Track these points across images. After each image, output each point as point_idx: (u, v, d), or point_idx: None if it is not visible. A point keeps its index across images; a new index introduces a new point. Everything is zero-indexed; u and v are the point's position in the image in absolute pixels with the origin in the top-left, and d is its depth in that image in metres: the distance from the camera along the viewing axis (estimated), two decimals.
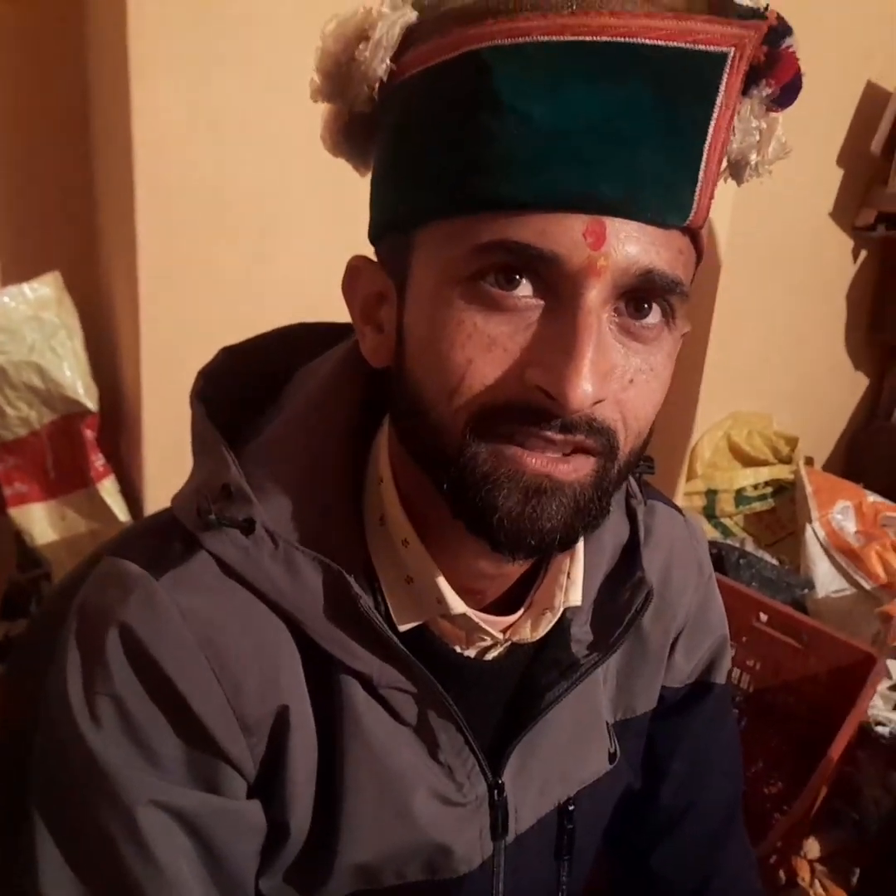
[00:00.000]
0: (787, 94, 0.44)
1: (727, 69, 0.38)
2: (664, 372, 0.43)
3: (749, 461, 1.85)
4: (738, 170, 0.46)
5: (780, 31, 0.41)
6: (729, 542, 1.70)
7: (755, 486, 1.84)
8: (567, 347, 0.38)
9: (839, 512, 1.73)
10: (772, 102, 0.44)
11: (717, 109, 0.39)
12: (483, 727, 0.52)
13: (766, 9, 0.41)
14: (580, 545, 0.52)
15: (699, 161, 0.39)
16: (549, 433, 0.40)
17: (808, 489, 1.74)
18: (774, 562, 1.68)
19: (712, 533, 1.78)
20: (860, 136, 1.80)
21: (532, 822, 0.54)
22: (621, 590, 0.55)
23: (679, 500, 1.66)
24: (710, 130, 0.39)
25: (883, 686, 1.43)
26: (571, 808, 0.56)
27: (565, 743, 0.54)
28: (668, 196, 0.39)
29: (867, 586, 1.64)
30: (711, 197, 0.41)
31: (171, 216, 1.00)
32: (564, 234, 0.38)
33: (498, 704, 0.53)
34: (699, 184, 0.39)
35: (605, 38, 0.37)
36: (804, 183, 1.74)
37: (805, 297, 1.91)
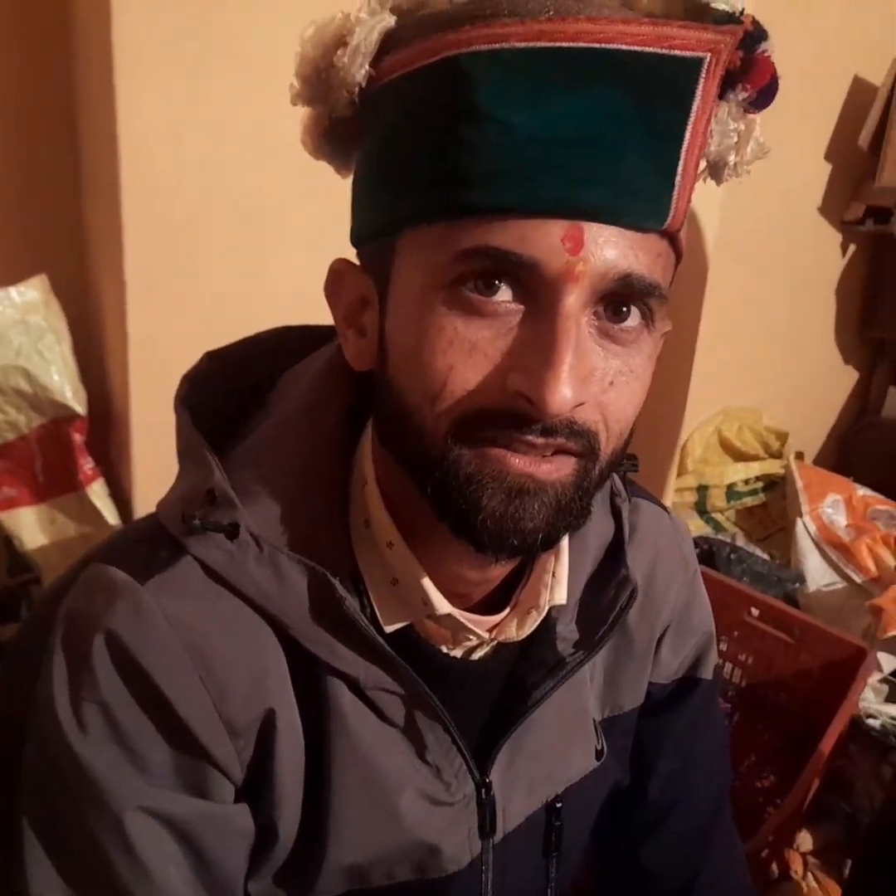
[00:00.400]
0: (764, 97, 0.44)
1: (703, 74, 0.39)
2: (644, 373, 0.43)
3: (740, 456, 1.86)
4: (716, 171, 0.47)
5: (755, 35, 0.41)
6: (720, 537, 1.70)
7: (746, 481, 1.85)
8: (546, 352, 0.38)
9: (829, 506, 1.74)
10: (749, 105, 0.44)
11: (693, 114, 0.39)
12: (470, 727, 0.52)
13: (742, 14, 0.41)
14: (565, 544, 0.53)
15: (676, 165, 0.39)
16: (530, 437, 0.40)
17: (799, 484, 1.75)
18: (765, 556, 1.68)
19: (703, 528, 1.79)
20: (848, 131, 1.81)
21: (520, 821, 0.55)
22: (606, 588, 0.55)
23: (670, 496, 1.66)
24: (687, 135, 0.39)
25: (874, 679, 1.44)
26: (559, 805, 0.56)
27: (552, 741, 0.55)
28: (645, 200, 0.39)
29: (858, 580, 1.65)
30: (689, 200, 0.41)
31: (159, 218, 1.00)
32: (543, 239, 0.38)
33: (484, 704, 0.53)
34: (676, 188, 0.40)
35: (582, 44, 0.38)
36: (792, 178, 1.75)
37: (795, 292, 1.92)
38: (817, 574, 1.67)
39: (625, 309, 0.41)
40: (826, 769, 1.30)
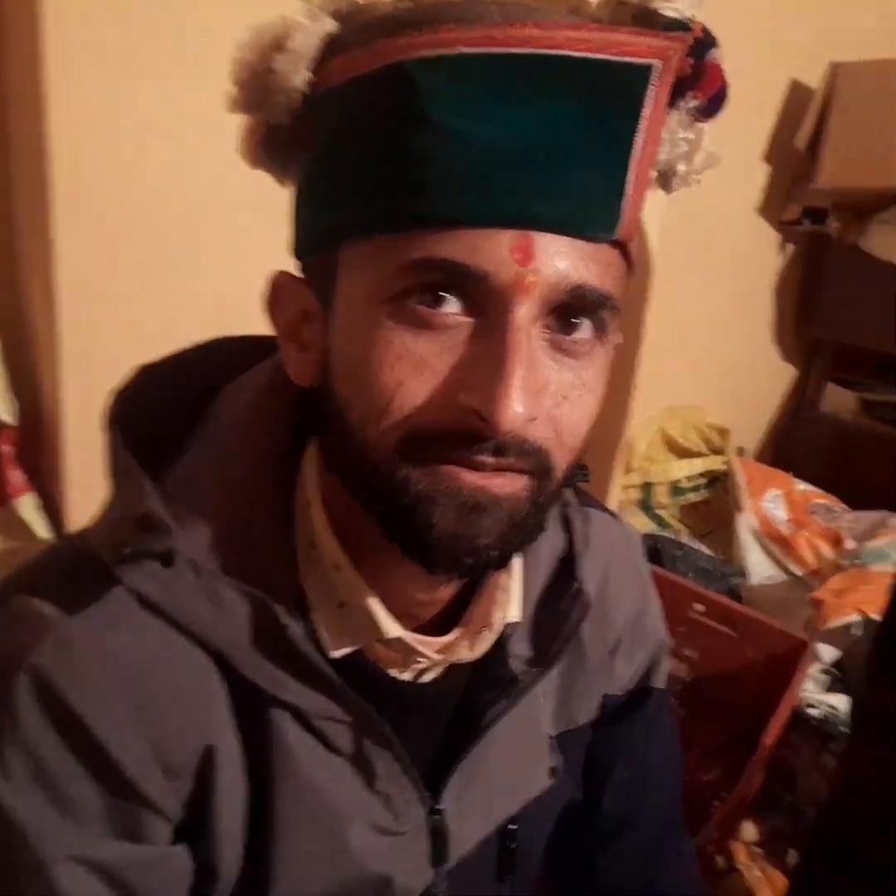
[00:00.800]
0: (714, 105, 0.44)
1: (652, 81, 0.38)
2: (598, 386, 0.42)
3: (683, 453, 1.89)
4: (666, 180, 0.46)
5: (705, 43, 0.41)
6: (665, 534, 1.73)
7: (689, 478, 1.88)
8: (497, 367, 0.37)
9: (770, 501, 1.77)
10: (698, 113, 0.44)
11: (643, 122, 0.38)
12: (422, 752, 0.51)
13: (691, 21, 0.41)
14: (517, 560, 0.52)
15: (626, 174, 0.39)
16: (481, 457, 0.39)
17: (740, 479, 1.79)
18: (709, 552, 1.71)
19: (649, 525, 1.81)
20: (785, 133, 1.85)
21: (473, 846, 0.54)
22: (559, 602, 0.54)
23: (616, 494, 1.68)
24: (637, 143, 0.38)
25: (815, 670, 1.47)
26: (513, 827, 0.55)
27: (506, 762, 0.54)
28: (596, 210, 0.38)
29: (798, 573, 1.68)
30: (640, 209, 0.41)
31: (92, 223, 0.96)
32: (492, 250, 0.37)
33: (437, 727, 0.52)
34: (626, 197, 0.39)
35: (529, 50, 0.37)
36: (732, 179, 1.78)
37: (735, 291, 1.95)
38: (759, 568, 1.70)
39: (576, 321, 0.40)
40: (770, 761, 1.33)
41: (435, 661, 0.49)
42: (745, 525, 1.73)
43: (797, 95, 1.83)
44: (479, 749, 0.51)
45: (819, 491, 1.81)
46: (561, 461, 0.42)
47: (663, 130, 0.42)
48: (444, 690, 0.51)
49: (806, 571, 1.68)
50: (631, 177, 0.39)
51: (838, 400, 2.06)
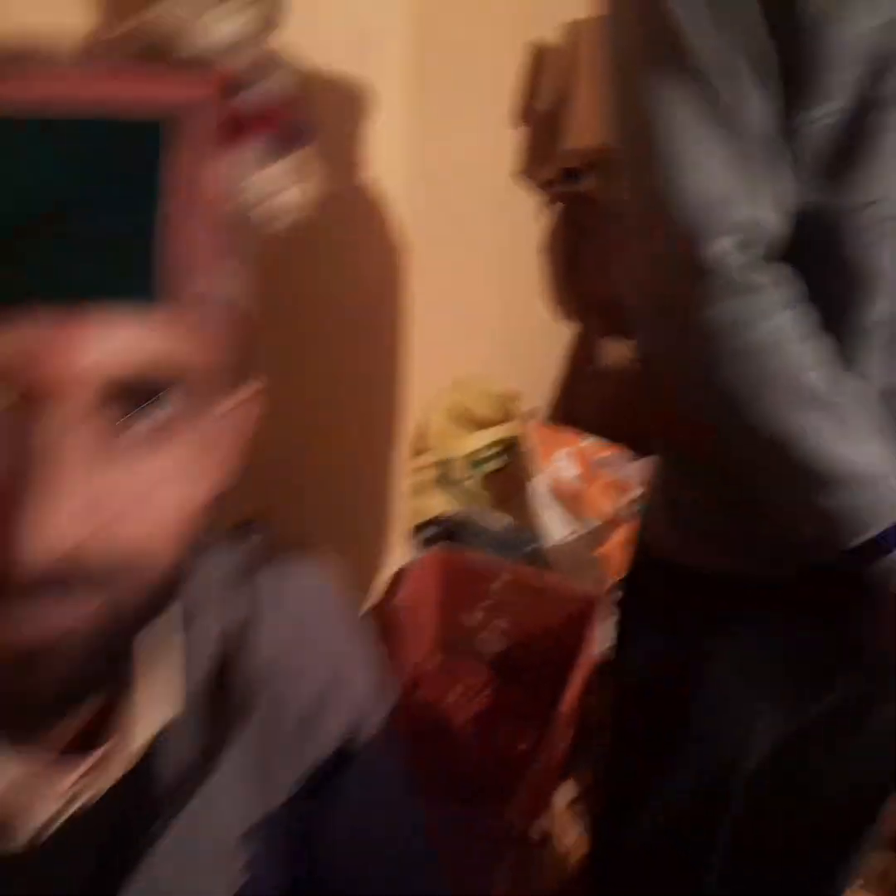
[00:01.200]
0: (285, 140, 0.40)
1: (169, 132, 0.34)
2: (189, 471, 0.37)
3: (477, 424, 1.90)
4: (261, 222, 0.42)
5: (241, 82, 0.37)
6: (462, 513, 1.74)
7: (486, 447, 1.90)
8: (23, 489, 0.31)
9: (560, 460, 1.83)
10: (275, 150, 0.40)
11: (167, 180, 0.34)
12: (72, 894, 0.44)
13: (227, 57, 0.37)
14: (173, 647, 0.46)
15: (158, 232, 0.34)
16: (18, 604, 0.32)
17: (531, 443, 1.83)
18: (507, 523, 1.74)
19: (448, 503, 1.81)
20: (531, 97, 1.86)
21: None
22: (235, 678, 0.50)
23: (409, 478, 1.66)
24: (167, 197, 0.34)
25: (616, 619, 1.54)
26: None
27: (186, 876, 0.48)
28: (132, 276, 0.33)
29: (591, 527, 1.75)
30: (209, 267, 0.36)
31: None
32: (11, 344, 0.31)
33: (89, 862, 0.45)
34: (161, 255, 0.34)
35: (14, 113, 0.32)
36: (486, 148, 1.78)
37: (503, 257, 1.97)
38: (556, 529, 1.75)
39: (138, 407, 0.34)
40: (577, 717, 1.38)
41: (74, 792, 0.43)
42: (539, 488, 1.78)
43: (537, 59, 1.85)
44: (147, 874, 0.46)
45: (604, 443, 1.88)
46: (154, 565, 0.36)
47: (227, 172, 0.38)
48: (96, 819, 0.44)
49: (599, 525, 1.75)
50: (164, 234, 0.34)
51: (617, 353, 2.14)
